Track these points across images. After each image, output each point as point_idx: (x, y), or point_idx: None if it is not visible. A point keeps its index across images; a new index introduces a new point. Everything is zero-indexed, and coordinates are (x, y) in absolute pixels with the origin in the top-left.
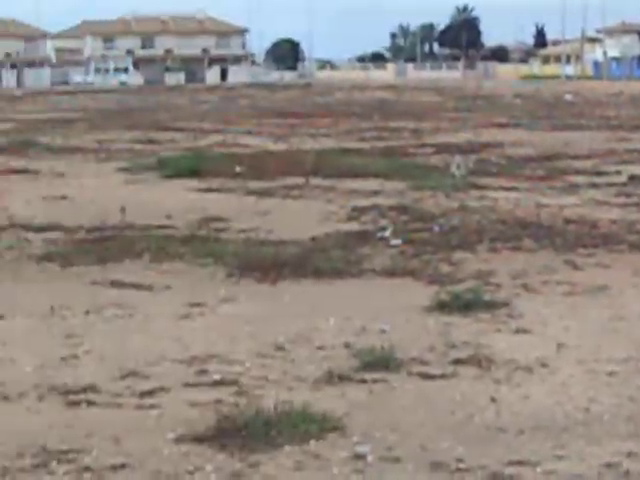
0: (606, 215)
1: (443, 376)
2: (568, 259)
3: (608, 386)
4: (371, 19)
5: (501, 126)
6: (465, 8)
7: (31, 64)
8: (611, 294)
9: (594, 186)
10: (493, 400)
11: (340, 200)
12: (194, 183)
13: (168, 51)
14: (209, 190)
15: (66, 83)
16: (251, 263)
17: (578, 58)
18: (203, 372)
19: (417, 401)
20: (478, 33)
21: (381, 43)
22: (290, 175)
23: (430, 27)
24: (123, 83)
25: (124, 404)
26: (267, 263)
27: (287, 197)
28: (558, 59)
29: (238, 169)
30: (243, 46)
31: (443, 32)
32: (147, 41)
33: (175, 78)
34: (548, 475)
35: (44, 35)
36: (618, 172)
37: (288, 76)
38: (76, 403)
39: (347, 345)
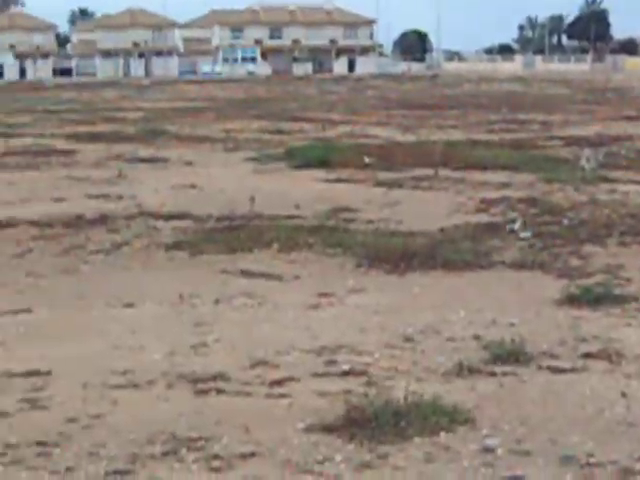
0: None
1: (573, 370)
2: None
3: None
4: (499, 11)
5: (631, 119)
6: (594, 0)
7: (159, 53)
8: None
9: None
10: (623, 395)
11: (469, 192)
12: (322, 173)
13: (296, 41)
14: (338, 180)
15: (194, 73)
16: (380, 254)
17: None
18: (332, 362)
19: (547, 395)
20: (607, 25)
21: (509, 35)
22: (419, 166)
23: (559, 19)
24: (251, 73)
25: (253, 393)
26: (396, 254)
27: (416, 188)
28: None
29: (367, 160)
30: (371, 37)
31: (571, 24)
32: (275, 31)
33: (302, 68)
34: None
35: (172, 25)
36: None
37: (415, 67)
38: (205, 391)
39: (477, 337)
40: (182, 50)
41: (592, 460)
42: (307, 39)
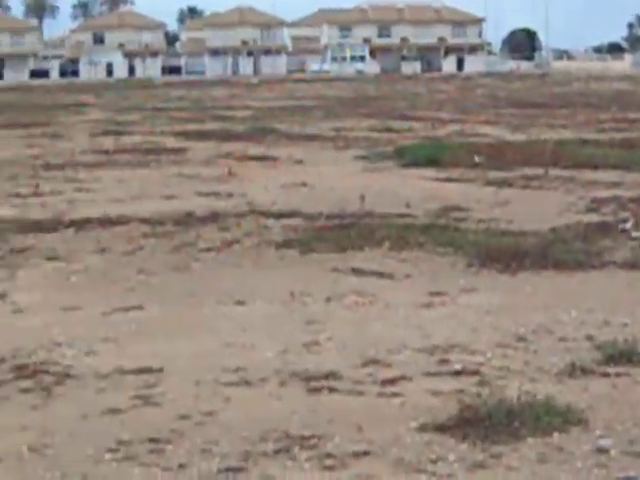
0: None
1: None
2: None
3: None
4: (608, 9)
5: None
6: None
7: (267, 52)
8: None
9: None
10: None
11: (579, 191)
12: (432, 172)
13: (404, 40)
14: (448, 179)
15: (302, 71)
16: (491, 253)
17: None
18: (444, 361)
19: None
20: None
21: (618, 33)
22: (529, 165)
23: None
24: (360, 71)
25: (366, 392)
26: (507, 254)
27: (526, 187)
28: None
29: (477, 159)
30: (479, 35)
31: None
32: (383, 30)
33: (411, 67)
34: None
35: (281, 23)
36: None
37: (524, 66)
38: (318, 389)
39: (589, 337)
40: (290, 49)
41: None
42: (415, 37)
